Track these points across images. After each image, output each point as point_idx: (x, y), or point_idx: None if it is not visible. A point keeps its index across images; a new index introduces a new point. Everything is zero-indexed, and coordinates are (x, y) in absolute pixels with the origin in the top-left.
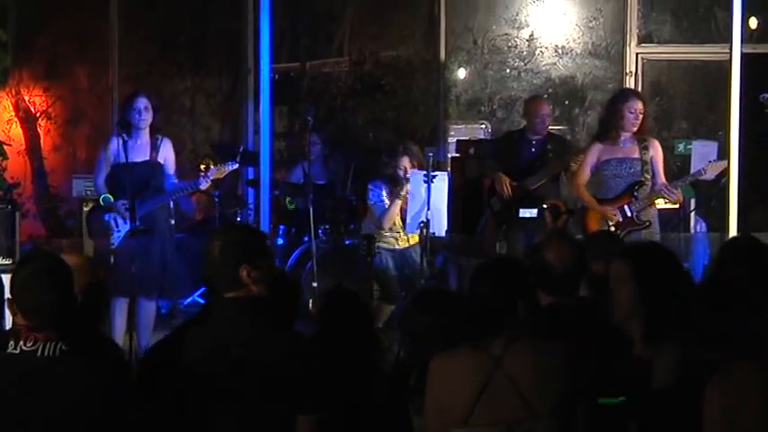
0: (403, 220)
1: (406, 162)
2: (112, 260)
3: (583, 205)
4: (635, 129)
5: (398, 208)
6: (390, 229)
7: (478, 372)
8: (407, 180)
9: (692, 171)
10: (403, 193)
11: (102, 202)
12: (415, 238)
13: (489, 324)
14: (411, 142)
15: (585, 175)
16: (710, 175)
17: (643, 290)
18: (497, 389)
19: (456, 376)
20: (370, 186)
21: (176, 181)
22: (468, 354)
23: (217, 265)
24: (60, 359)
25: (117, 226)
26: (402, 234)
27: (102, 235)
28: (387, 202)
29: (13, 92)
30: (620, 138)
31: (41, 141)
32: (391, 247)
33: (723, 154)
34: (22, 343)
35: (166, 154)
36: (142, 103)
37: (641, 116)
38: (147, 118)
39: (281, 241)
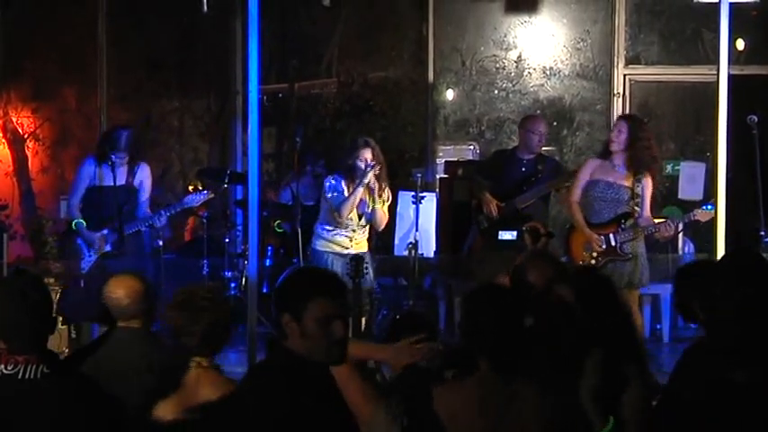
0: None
1: (367, 154)
2: (83, 284)
3: (570, 225)
4: (614, 147)
5: (358, 198)
6: (347, 226)
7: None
8: (369, 170)
9: (680, 195)
10: (366, 180)
11: (74, 227)
12: (364, 245)
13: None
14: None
15: (579, 190)
16: (701, 218)
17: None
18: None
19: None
20: (327, 180)
21: (147, 208)
22: (475, 384)
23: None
24: (42, 381)
25: (87, 251)
26: (357, 235)
27: (73, 258)
28: (346, 191)
29: (1, 113)
30: (614, 158)
31: (29, 163)
32: (341, 250)
33: (711, 175)
34: (2, 366)
35: (143, 179)
36: (123, 143)
37: (623, 137)
38: (126, 156)
39: (269, 262)
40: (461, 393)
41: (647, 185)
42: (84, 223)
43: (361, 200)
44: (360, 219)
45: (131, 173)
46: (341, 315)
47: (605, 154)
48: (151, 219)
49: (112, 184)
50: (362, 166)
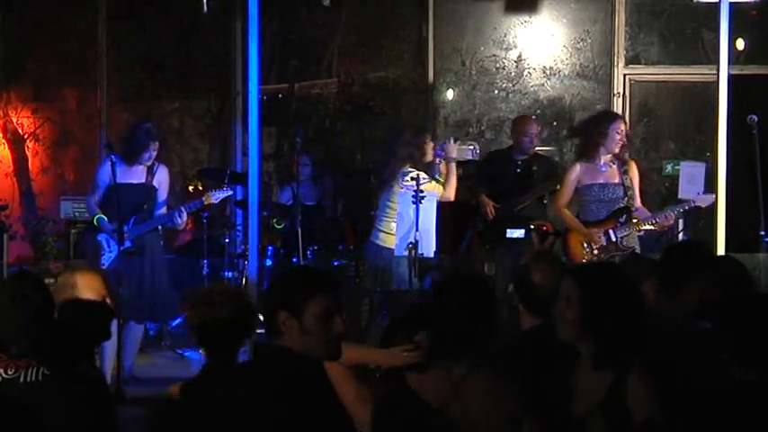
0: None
1: (430, 137)
2: None
3: (566, 227)
4: (617, 150)
5: (455, 175)
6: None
7: (436, 393)
8: (454, 143)
9: (680, 195)
10: (454, 155)
11: (95, 223)
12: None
13: (451, 343)
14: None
15: (567, 196)
16: (701, 203)
17: (588, 313)
18: (451, 414)
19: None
20: (403, 174)
21: (164, 209)
22: (431, 373)
23: (262, 305)
24: (43, 383)
25: (108, 247)
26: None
27: (94, 255)
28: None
29: (1, 113)
30: (599, 158)
31: (29, 163)
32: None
33: (711, 175)
34: (2, 371)
35: (161, 180)
36: (154, 146)
37: (625, 138)
38: (153, 157)
39: (269, 262)
40: (417, 379)
41: (634, 175)
42: (106, 218)
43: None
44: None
45: (150, 173)
46: (339, 311)
47: (590, 156)
48: (170, 216)
49: (132, 181)
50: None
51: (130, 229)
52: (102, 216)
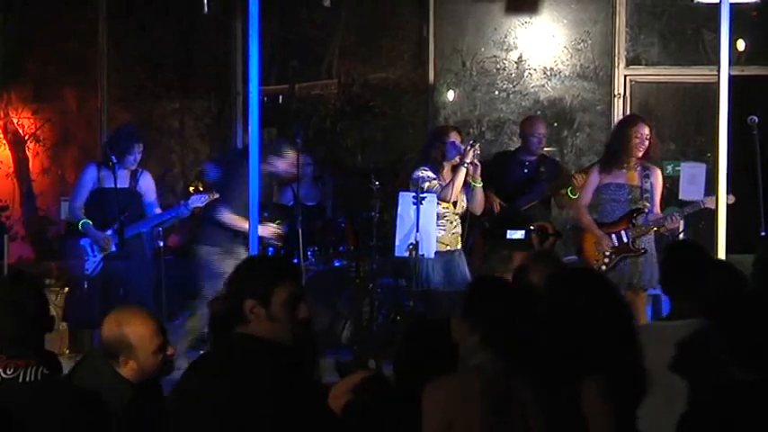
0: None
1: (455, 136)
2: (86, 286)
3: (577, 226)
4: (640, 154)
5: (463, 178)
6: (443, 216)
7: (489, 396)
8: (470, 147)
9: (681, 196)
10: (468, 159)
11: (80, 228)
12: (459, 240)
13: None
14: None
15: (587, 197)
16: (711, 205)
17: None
18: (508, 414)
19: (463, 400)
20: (415, 173)
21: (158, 210)
22: (473, 378)
23: (227, 293)
24: (43, 383)
25: (92, 252)
26: (454, 228)
27: (77, 260)
28: (443, 178)
29: (2, 114)
30: (625, 164)
31: (30, 164)
32: (441, 248)
33: (711, 176)
34: (1, 371)
35: (146, 186)
36: (139, 148)
37: (647, 141)
38: (138, 160)
39: None
40: (453, 388)
41: (657, 181)
42: (91, 223)
43: (465, 182)
44: (455, 206)
45: (134, 178)
46: (303, 297)
47: (615, 161)
48: (176, 212)
49: (114, 186)
50: (457, 147)
51: (113, 234)
52: (88, 221)
